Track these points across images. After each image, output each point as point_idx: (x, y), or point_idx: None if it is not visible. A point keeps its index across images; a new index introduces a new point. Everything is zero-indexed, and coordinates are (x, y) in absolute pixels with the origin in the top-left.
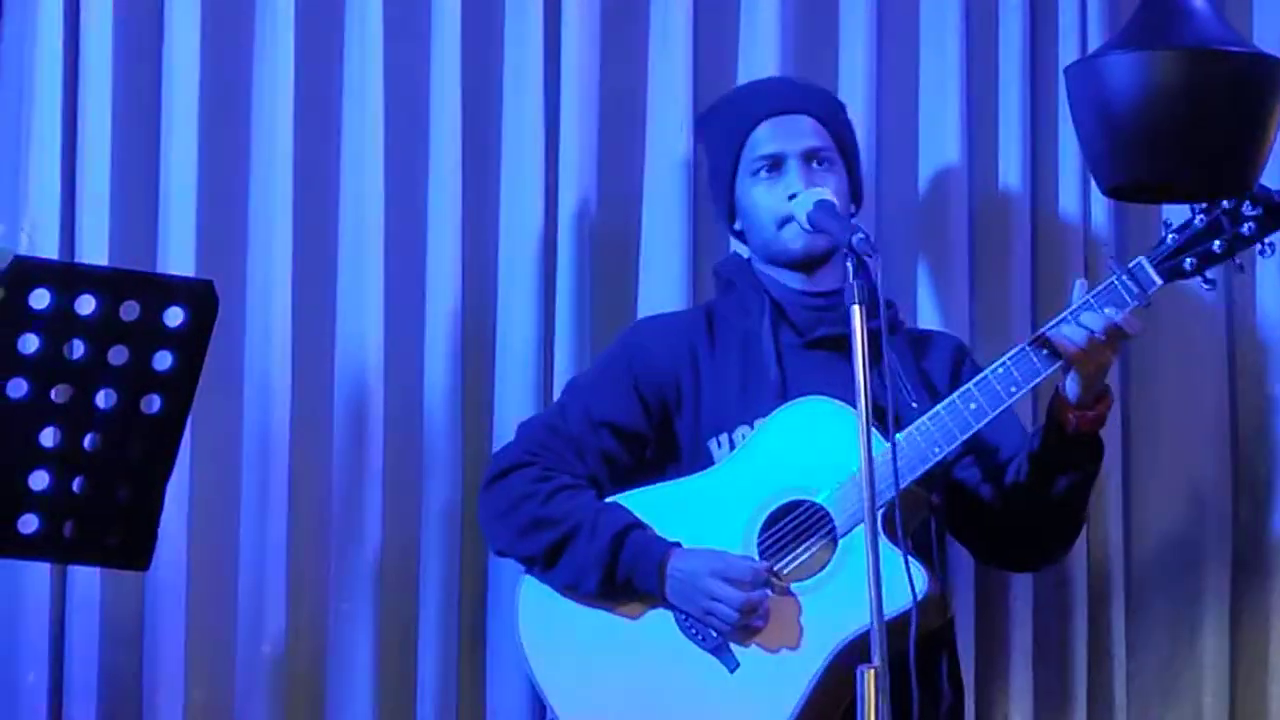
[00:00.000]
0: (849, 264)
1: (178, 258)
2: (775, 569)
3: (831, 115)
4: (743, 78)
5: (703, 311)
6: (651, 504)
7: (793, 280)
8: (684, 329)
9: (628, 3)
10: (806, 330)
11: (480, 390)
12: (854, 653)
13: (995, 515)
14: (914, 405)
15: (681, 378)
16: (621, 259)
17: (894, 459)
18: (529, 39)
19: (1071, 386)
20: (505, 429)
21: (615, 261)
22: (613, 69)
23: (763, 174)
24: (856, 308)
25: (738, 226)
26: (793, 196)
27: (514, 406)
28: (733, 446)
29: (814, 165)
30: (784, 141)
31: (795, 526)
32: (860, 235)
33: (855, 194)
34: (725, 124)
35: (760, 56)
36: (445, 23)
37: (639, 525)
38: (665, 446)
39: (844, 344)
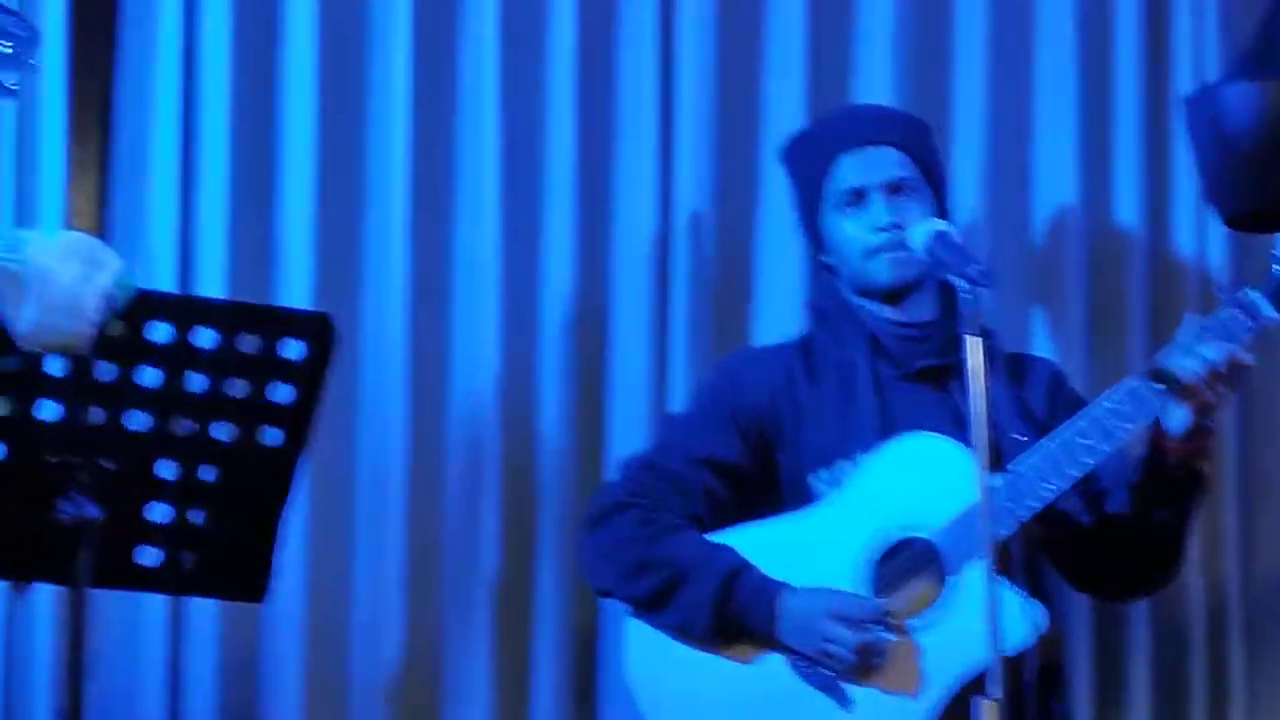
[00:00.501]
0: (965, 295)
1: (294, 289)
2: (888, 607)
3: (914, 142)
4: (856, 94)
5: (798, 344)
6: (757, 543)
7: (885, 311)
8: (780, 362)
9: (743, 17)
10: (904, 362)
11: (594, 417)
12: (971, 689)
13: (1095, 545)
14: (1022, 439)
15: (780, 411)
16: (736, 278)
17: (1001, 496)
18: (644, 57)
19: (1176, 419)
20: (620, 454)
21: (730, 280)
22: (728, 85)
23: (847, 207)
24: (972, 340)
25: (826, 260)
26: (896, 227)
27: (628, 433)
28: (834, 481)
29: (897, 196)
30: (866, 174)
31: (905, 564)
32: (978, 266)
33: (942, 217)
34: (807, 157)
35: (874, 84)
36: (560, 48)
37: (748, 566)
38: (766, 482)
39: (943, 375)
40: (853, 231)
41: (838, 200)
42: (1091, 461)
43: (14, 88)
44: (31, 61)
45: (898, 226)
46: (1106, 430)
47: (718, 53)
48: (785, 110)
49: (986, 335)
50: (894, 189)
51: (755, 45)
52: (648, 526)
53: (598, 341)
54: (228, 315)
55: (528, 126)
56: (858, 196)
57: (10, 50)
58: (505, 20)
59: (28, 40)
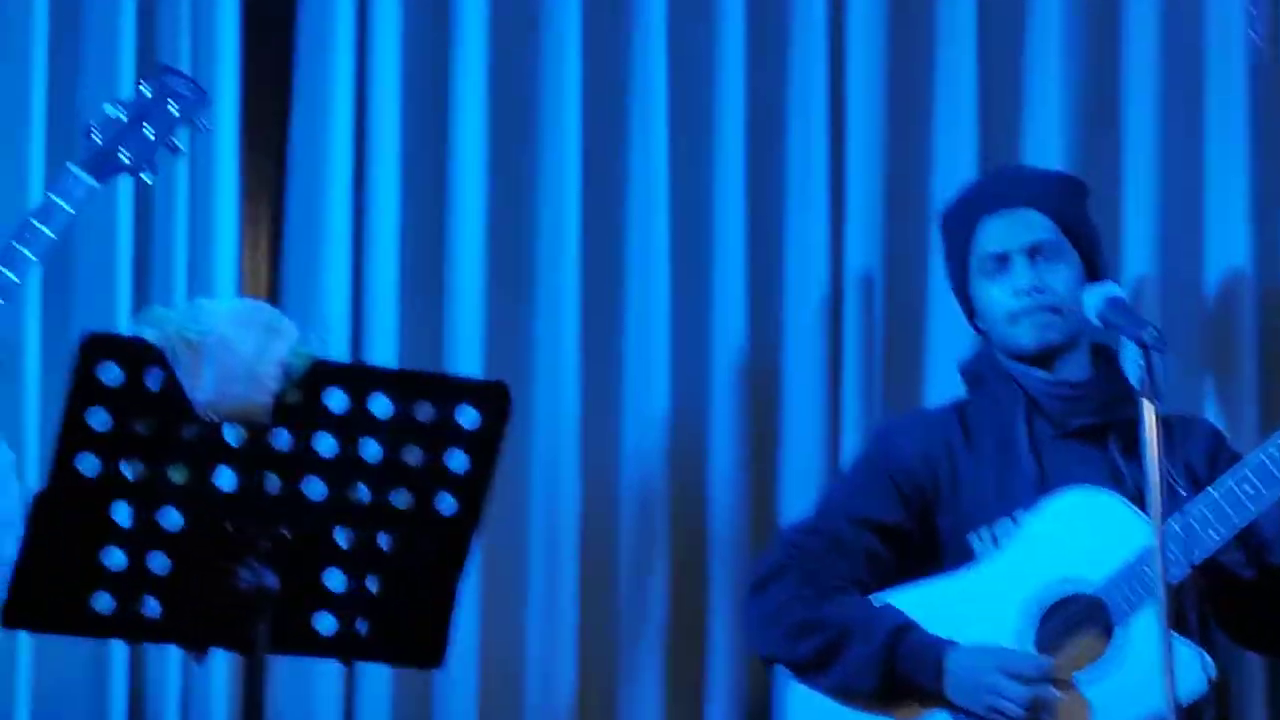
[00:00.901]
0: (1140, 360)
1: (465, 354)
2: (1055, 663)
3: (1058, 203)
4: (1026, 155)
5: (953, 408)
6: (919, 602)
7: (1038, 372)
8: (938, 425)
9: (913, 79)
10: (1061, 421)
11: (766, 475)
12: None
13: (1258, 599)
14: (1184, 494)
15: (939, 473)
16: (908, 337)
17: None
18: (813, 115)
19: None
20: (791, 512)
21: (901, 340)
22: (897, 145)
23: (990, 272)
24: (1148, 404)
25: (978, 324)
26: (1037, 291)
27: (799, 491)
28: (994, 540)
29: (1039, 259)
30: (1006, 238)
31: (1069, 619)
32: (1152, 330)
33: (1093, 278)
34: (954, 222)
35: (1043, 145)
36: (730, 106)
37: (912, 624)
38: (926, 543)
39: (1100, 433)
40: (996, 296)
41: (981, 265)
42: (1254, 508)
43: (183, 149)
44: (201, 123)
45: (1039, 290)
46: (1269, 476)
47: (887, 112)
48: (954, 171)
49: (1157, 398)
50: (1035, 252)
51: (925, 107)
52: (810, 588)
53: (769, 399)
54: (403, 383)
55: (698, 186)
56: (1000, 261)
57: (179, 112)
58: (674, 81)
59: (196, 102)
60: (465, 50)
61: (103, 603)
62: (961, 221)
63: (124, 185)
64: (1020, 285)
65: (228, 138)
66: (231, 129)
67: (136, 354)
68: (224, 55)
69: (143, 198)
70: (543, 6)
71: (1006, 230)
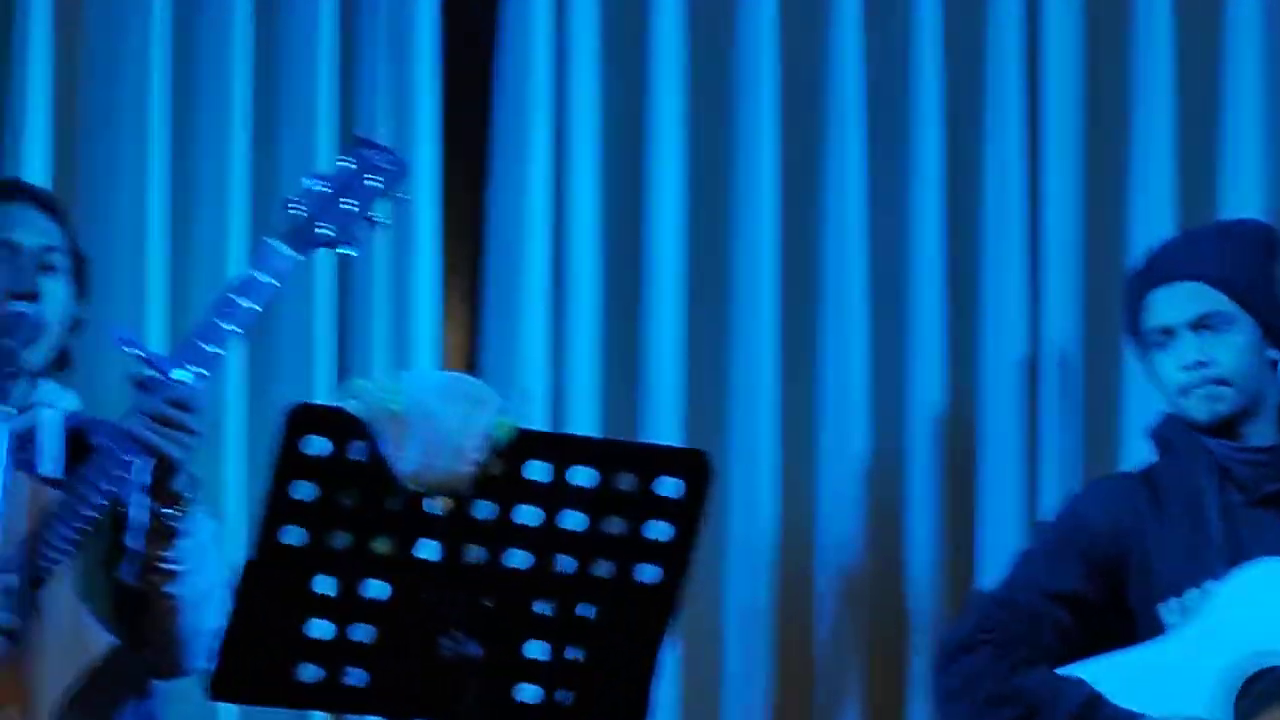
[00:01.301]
0: None
1: (664, 423)
2: None
3: (1229, 271)
4: (1226, 213)
5: (1142, 474)
6: (1108, 674)
7: (1224, 440)
8: (1127, 493)
9: (1109, 139)
10: (1251, 488)
11: (963, 540)
12: None
13: None
14: None
15: (1129, 544)
16: (1105, 401)
17: None
18: (1010, 178)
19: None
20: (989, 567)
21: (1099, 403)
22: (1095, 207)
23: (1160, 344)
24: None
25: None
26: (1202, 365)
27: (997, 556)
28: (1185, 611)
29: (1205, 332)
30: (1171, 311)
31: (1266, 692)
32: None
33: (1277, 343)
34: (1127, 295)
35: (1242, 201)
36: (927, 169)
37: (1102, 698)
38: (1115, 614)
39: None
40: (1167, 369)
41: (1152, 337)
42: None
43: (382, 222)
44: (400, 196)
45: (1204, 364)
46: None
47: (1084, 172)
48: (1151, 231)
49: None
50: (1201, 324)
51: (1121, 167)
52: (1000, 662)
53: (966, 455)
54: (605, 453)
55: (896, 243)
56: (1166, 334)
57: (378, 185)
58: (872, 143)
59: (395, 174)
60: (660, 122)
61: (308, 673)
62: (1133, 294)
63: (324, 258)
64: (1186, 359)
65: (427, 210)
66: (430, 201)
67: (341, 426)
68: (422, 128)
69: (343, 270)
70: (738, 78)
71: (1170, 304)
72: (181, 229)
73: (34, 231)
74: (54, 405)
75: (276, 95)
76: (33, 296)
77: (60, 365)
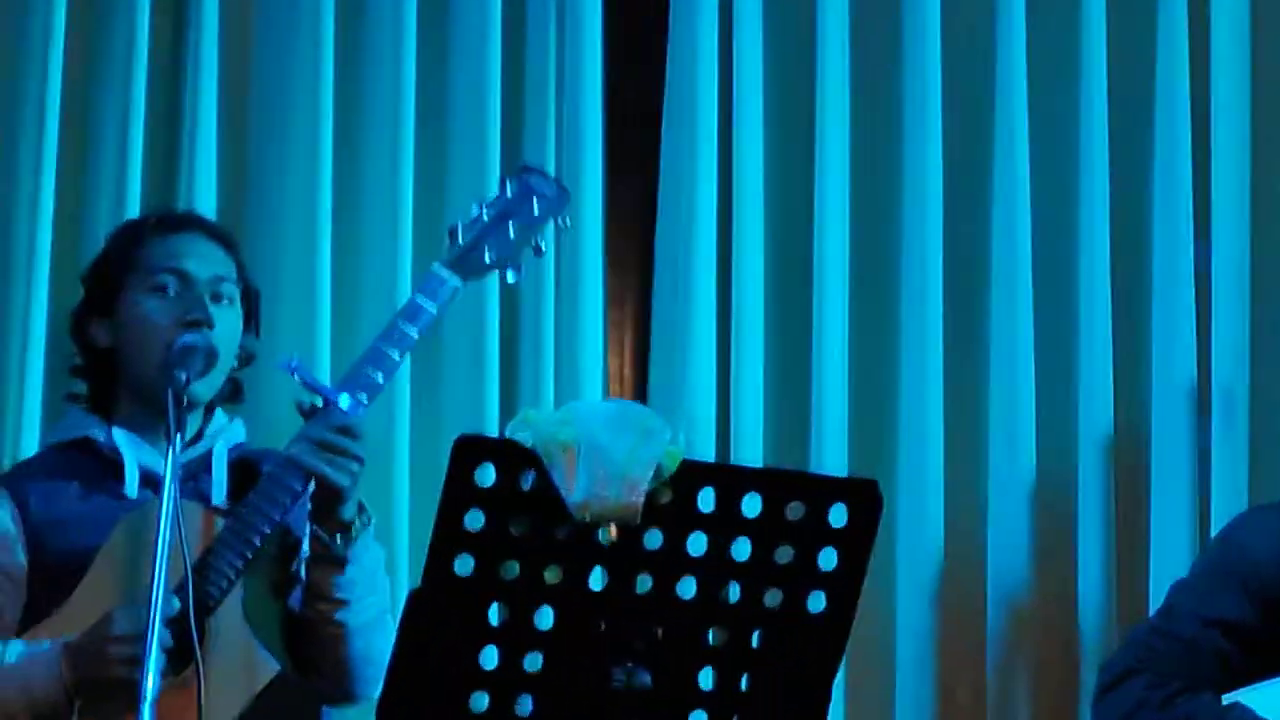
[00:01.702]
0: None
1: (831, 452)
2: None
3: None
4: None
5: None
6: (1270, 702)
7: None
8: None
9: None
10: None
11: (1133, 576)
12: None
13: None
14: None
15: None
16: (1274, 421)
17: None
18: (1179, 191)
19: None
20: (1160, 591)
21: (1271, 417)
22: (1263, 226)
23: None
24: None
25: None
26: None
27: (1166, 573)
28: None
29: None
30: None
31: None
32: None
33: None
34: None
35: None
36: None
37: None
38: (1275, 641)
39: None
40: None
41: None
42: None
43: (545, 248)
44: (563, 222)
45: None
46: None
47: (1252, 199)
48: None
49: None
50: None
51: None
52: (1158, 691)
53: (1136, 488)
54: (774, 483)
55: (1062, 273)
56: None
57: (542, 211)
58: (1039, 162)
59: (556, 200)
60: (826, 151)
61: (478, 702)
62: None
63: (492, 289)
64: None
65: (592, 239)
66: (596, 230)
67: (511, 456)
68: (588, 157)
69: (510, 299)
70: (904, 104)
71: None
72: (349, 260)
73: (207, 262)
74: (223, 435)
75: (444, 124)
76: (205, 325)
77: (230, 397)
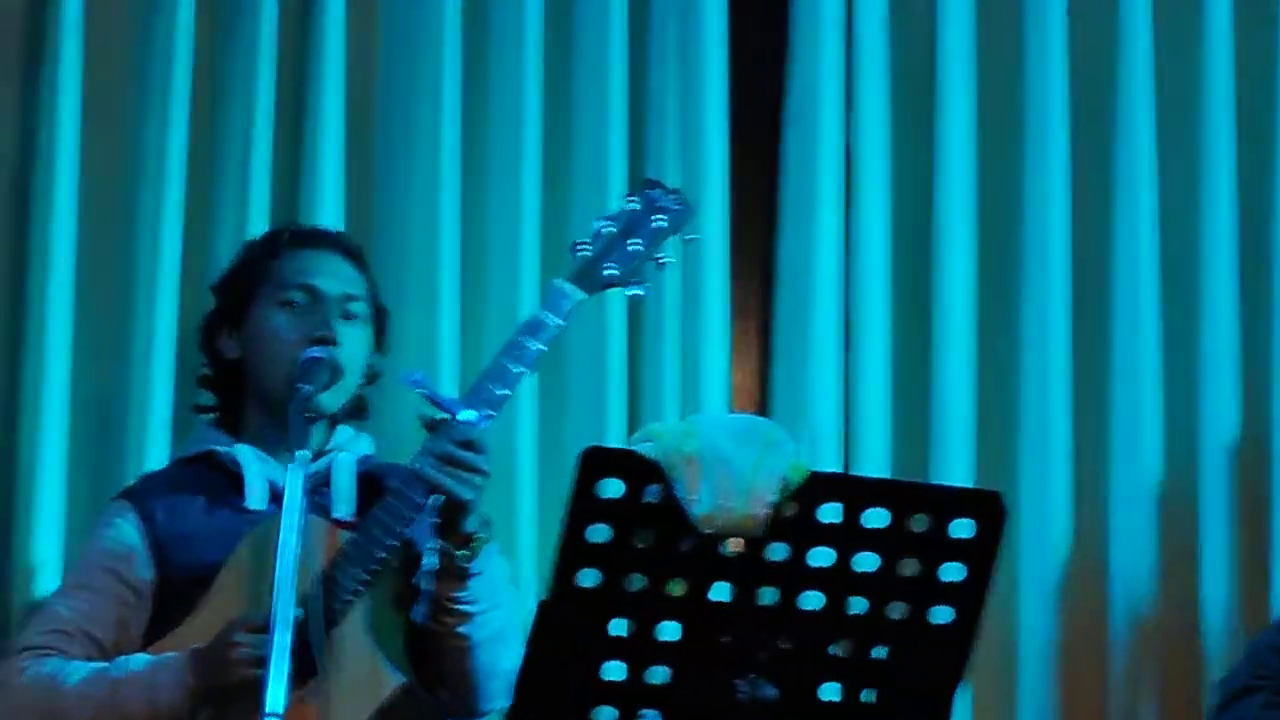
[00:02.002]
0: None
1: (955, 464)
2: None
3: None
4: None
5: None
6: None
7: None
8: None
9: None
10: None
11: (1258, 586)
12: None
13: None
14: None
15: None
16: None
17: None
18: None
19: None
20: None
21: None
22: None
23: None
24: None
25: None
26: None
27: None
28: None
29: None
30: None
31: None
32: None
33: None
34: None
35: None
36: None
37: None
38: None
39: None
40: None
41: None
42: None
43: (669, 262)
44: (687, 235)
45: None
46: None
47: None
48: None
49: None
50: None
51: None
52: (1275, 712)
53: (1261, 497)
54: (898, 495)
55: (1186, 280)
56: None
57: (666, 224)
58: (1163, 170)
59: (682, 214)
60: (949, 164)
61: (604, 715)
62: None
63: (616, 304)
64: None
65: (716, 252)
66: (719, 244)
67: (636, 469)
68: (711, 171)
69: (634, 313)
70: (1028, 114)
71: None
72: (474, 275)
73: (337, 279)
74: (348, 450)
75: (567, 137)
76: (331, 342)
77: (355, 413)
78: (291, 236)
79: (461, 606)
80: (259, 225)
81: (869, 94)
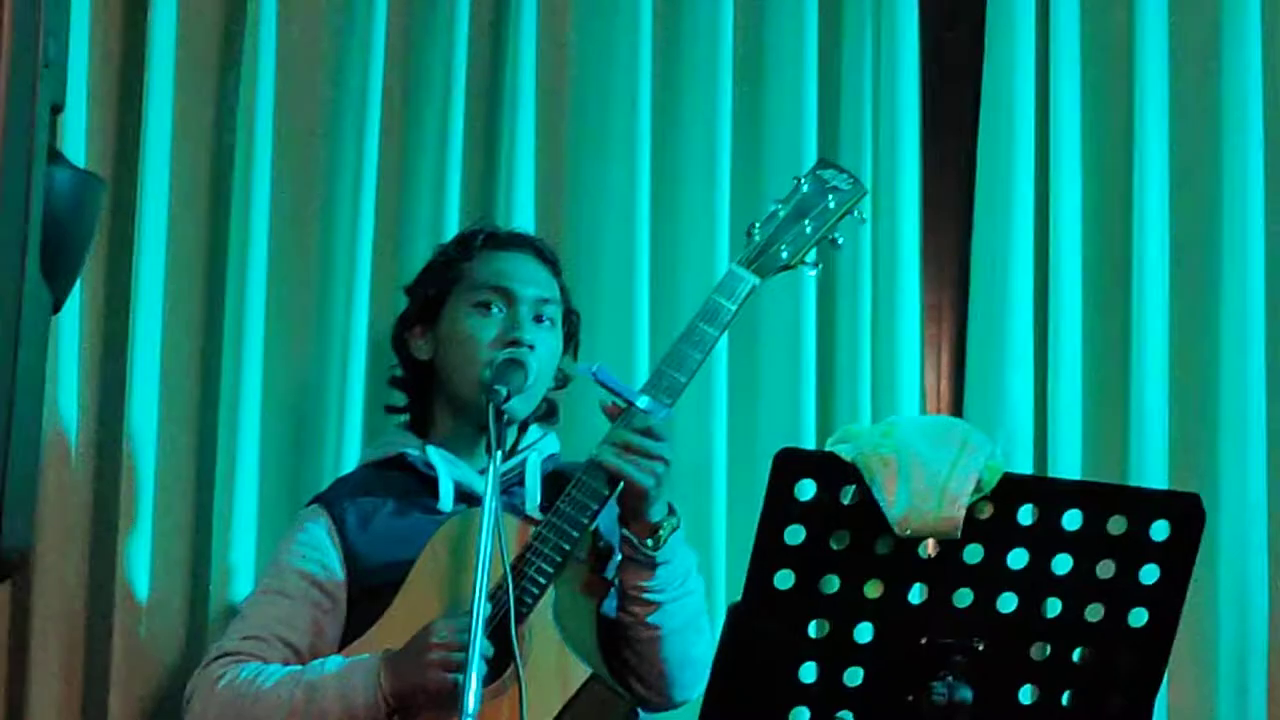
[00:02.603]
0: None
1: (1151, 465)
2: None
3: None
4: None
5: None
6: None
7: None
8: None
9: None
10: None
11: None
12: None
13: None
14: None
15: None
16: None
17: None
18: None
19: None
20: None
21: None
22: None
23: None
24: None
25: None
26: None
27: None
28: None
29: None
30: None
31: None
32: None
33: None
34: None
35: None
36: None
37: None
38: None
39: None
40: None
41: None
42: None
43: (842, 243)
44: (860, 216)
45: None
46: None
47: None
48: None
49: None
50: None
51: None
52: None
53: None
54: (1095, 497)
55: None
56: None
57: (839, 205)
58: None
59: (853, 193)
60: (1146, 166)
61: (799, 716)
62: None
63: (809, 306)
64: None
65: (909, 255)
66: (912, 247)
67: (831, 470)
68: (905, 173)
69: (826, 317)
70: (1223, 119)
71: None
72: (666, 274)
73: (533, 283)
74: (537, 448)
75: (759, 135)
76: (525, 345)
77: (545, 416)
78: (488, 238)
79: (650, 596)
80: (452, 228)
81: (1063, 94)
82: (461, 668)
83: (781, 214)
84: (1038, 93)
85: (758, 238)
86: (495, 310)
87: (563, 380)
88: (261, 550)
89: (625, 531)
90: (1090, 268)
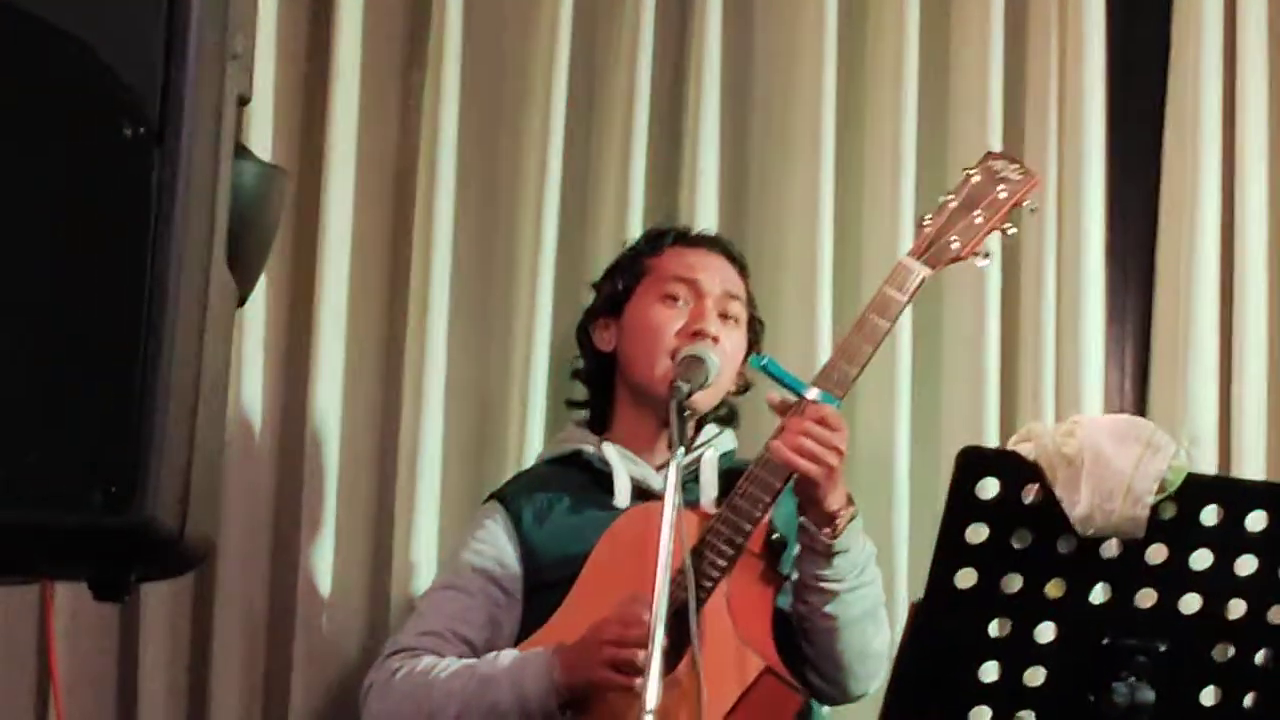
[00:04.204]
0: None
1: None
2: None
3: None
4: None
5: None
6: None
7: None
8: None
9: None
10: None
11: None
12: None
13: None
14: None
15: None
16: None
17: None
18: None
19: None
20: None
21: None
22: None
23: None
24: None
25: None
26: None
27: None
28: None
29: None
30: None
31: None
32: None
33: None
34: None
35: None
36: None
37: None
38: None
39: None
40: None
41: None
42: None
43: (1014, 232)
44: (1031, 205)
45: None
46: None
47: None
48: None
49: None
50: None
51: None
52: None
53: None
54: (1278, 498)
55: None
56: None
57: (1009, 195)
58: None
59: (1023, 183)
60: None
61: (980, 716)
62: None
63: (993, 301)
64: None
65: (1093, 255)
66: (1097, 246)
67: (1014, 468)
68: (1090, 172)
69: (1010, 315)
70: None
71: None
72: (850, 273)
73: (721, 279)
74: (713, 444)
75: (944, 133)
76: (711, 338)
77: (725, 420)
78: (677, 236)
79: (828, 585)
80: (636, 228)
81: (1251, 93)
82: (631, 665)
83: (952, 206)
84: (1224, 89)
85: (928, 230)
86: (682, 303)
87: (744, 386)
88: (443, 546)
89: (803, 520)
90: (1276, 266)
